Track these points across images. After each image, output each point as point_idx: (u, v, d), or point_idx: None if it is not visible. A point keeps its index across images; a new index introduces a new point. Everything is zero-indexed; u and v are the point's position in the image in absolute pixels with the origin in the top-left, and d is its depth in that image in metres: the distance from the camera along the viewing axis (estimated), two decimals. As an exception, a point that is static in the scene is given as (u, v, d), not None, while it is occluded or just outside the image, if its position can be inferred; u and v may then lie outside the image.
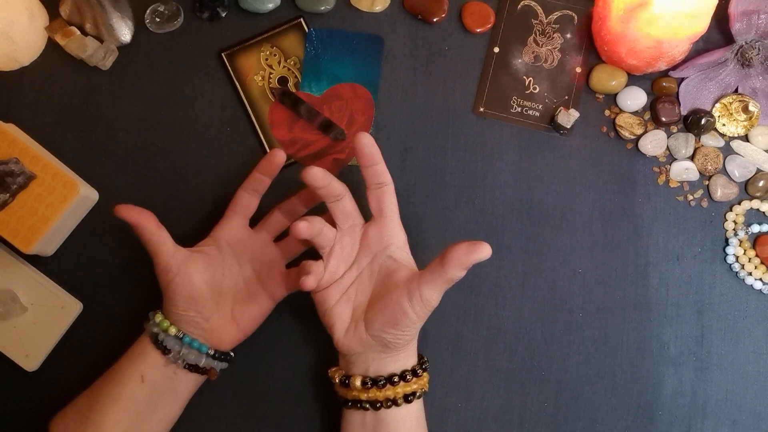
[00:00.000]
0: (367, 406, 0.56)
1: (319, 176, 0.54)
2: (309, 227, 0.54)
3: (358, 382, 0.56)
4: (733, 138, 0.68)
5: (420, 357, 0.59)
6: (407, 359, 0.57)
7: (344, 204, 0.57)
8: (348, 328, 0.57)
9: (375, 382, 0.56)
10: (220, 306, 0.60)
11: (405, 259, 0.58)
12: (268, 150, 0.66)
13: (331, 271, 0.57)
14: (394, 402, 0.56)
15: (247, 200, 0.61)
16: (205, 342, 0.59)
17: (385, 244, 0.57)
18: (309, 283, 0.54)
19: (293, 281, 0.61)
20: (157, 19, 0.67)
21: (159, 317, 0.58)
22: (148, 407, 0.57)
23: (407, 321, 0.54)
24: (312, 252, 0.59)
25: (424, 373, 0.58)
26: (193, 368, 0.59)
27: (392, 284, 0.56)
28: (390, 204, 0.57)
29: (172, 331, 0.57)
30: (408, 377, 0.56)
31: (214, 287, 0.59)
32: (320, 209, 0.59)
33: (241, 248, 0.61)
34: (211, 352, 0.59)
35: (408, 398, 0.56)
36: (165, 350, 0.57)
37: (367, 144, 0.55)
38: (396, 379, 0.56)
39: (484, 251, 0.51)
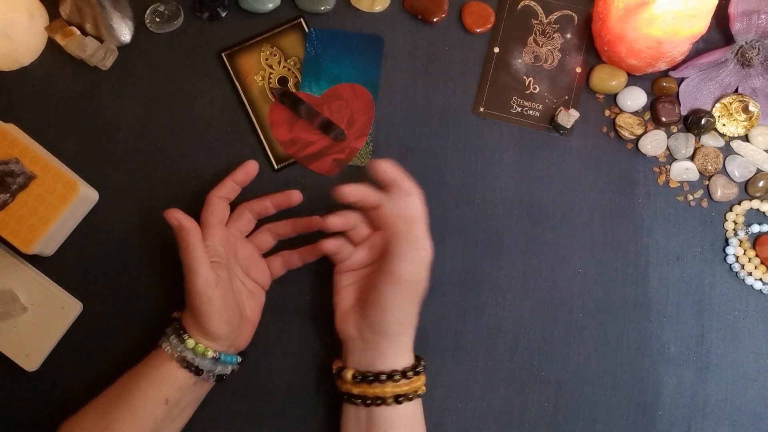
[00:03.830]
0: (359, 401, 0.57)
1: (352, 194, 0.57)
2: (343, 222, 0.59)
3: (349, 375, 0.57)
4: (733, 138, 0.68)
5: (417, 360, 0.59)
6: (397, 358, 0.57)
7: (380, 211, 0.59)
8: (347, 311, 0.59)
9: (364, 377, 0.57)
10: (241, 311, 0.60)
11: None
12: (268, 150, 0.66)
13: (355, 260, 0.60)
14: (383, 401, 0.56)
15: (223, 207, 0.62)
16: (232, 349, 0.60)
17: None
18: (327, 246, 0.59)
19: (275, 267, 0.64)
20: (157, 19, 0.67)
21: (191, 342, 0.57)
22: (168, 420, 0.57)
23: (387, 294, 0.56)
24: (281, 245, 0.63)
25: (417, 377, 0.58)
26: (220, 378, 0.60)
27: None
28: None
29: (209, 354, 0.57)
30: (396, 377, 0.56)
31: (237, 296, 0.60)
32: (292, 213, 0.63)
33: (231, 250, 0.61)
34: (240, 359, 0.61)
35: (399, 399, 0.56)
36: (198, 371, 0.57)
37: (383, 169, 0.58)
38: (383, 377, 0.56)
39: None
